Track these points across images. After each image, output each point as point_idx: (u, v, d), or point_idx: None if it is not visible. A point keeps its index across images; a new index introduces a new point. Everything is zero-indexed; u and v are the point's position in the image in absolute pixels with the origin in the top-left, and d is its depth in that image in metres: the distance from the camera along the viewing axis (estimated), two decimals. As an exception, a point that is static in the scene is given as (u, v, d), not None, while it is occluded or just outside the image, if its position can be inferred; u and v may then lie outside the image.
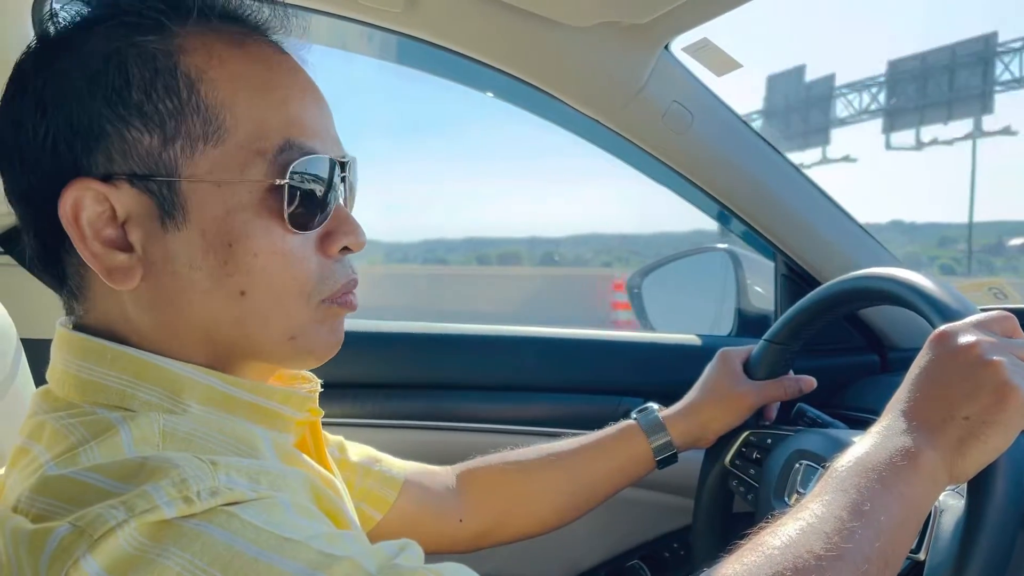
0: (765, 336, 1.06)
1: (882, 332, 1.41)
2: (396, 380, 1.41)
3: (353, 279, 0.66)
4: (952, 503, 0.74)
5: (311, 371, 0.75)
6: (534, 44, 1.11)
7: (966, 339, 0.68)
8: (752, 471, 1.03)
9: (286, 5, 0.98)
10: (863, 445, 0.68)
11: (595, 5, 1.00)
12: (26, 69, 0.59)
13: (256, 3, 0.64)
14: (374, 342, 1.42)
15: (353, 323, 1.46)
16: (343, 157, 0.65)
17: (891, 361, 1.42)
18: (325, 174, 0.62)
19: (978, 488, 0.67)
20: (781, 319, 1.04)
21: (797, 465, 0.94)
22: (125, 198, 0.58)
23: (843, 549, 0.59)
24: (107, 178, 0.57)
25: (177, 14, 0.59)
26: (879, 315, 1.38)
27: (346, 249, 0.65)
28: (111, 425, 0.55)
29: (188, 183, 0.58)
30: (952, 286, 0.81)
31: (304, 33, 0.67)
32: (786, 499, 0.93)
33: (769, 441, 1.03)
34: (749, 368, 1.07)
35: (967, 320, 0.71)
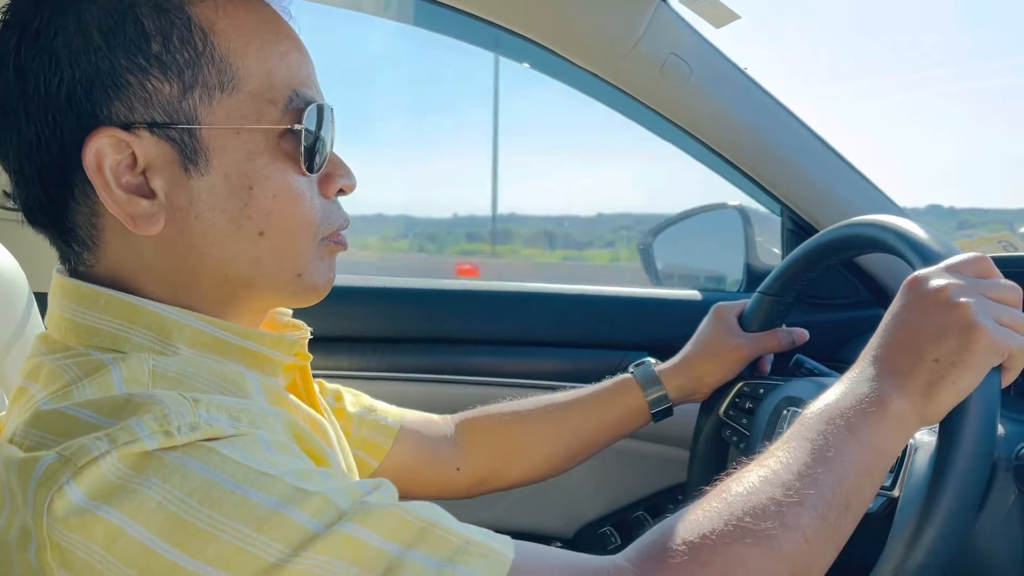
0: (759, 288, 1.07)
1: (887, 285, 1.40)
2: (403, 334, 1.44)
3: (347, 220, 0.71)
4: (927, 440, 0.75)
5: (312, 320, 0.78)
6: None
7: (936, 283, 0.69)
8: (744, 420, 1.04)
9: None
10: (833, 392, 0.69)
11: (585, -44, 1.00)
12: (28, 21, 0.60)
13: None
14: (382, 297, 1.45)
15: (361, 279, 1.49)
16: (328, 105, 0.68)
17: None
18: (324, 120, 0.66)
19: (948, 428, 0.68)
20: (773, 271, 1.05)
21: (785, 411, 0.95)
22: (146, 146, 0.60)
23: (804, 494, 0.61)
24: (126, 127, 0.59)
25: None
26: (884, 269, 1.37)
27: (340, 191, 0.70)
28: (103, 365, 0.58)
29: (209, 130, 0.61)
30: (936, 231, 0.80)
31: None
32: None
33: (762, 391, 1.04)
34: (743, 321, 1.08)
35: (939, 265, 0.71)
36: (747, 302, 1.09)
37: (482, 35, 1.33)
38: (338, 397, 0.95)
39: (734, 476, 0.64)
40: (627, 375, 1.08)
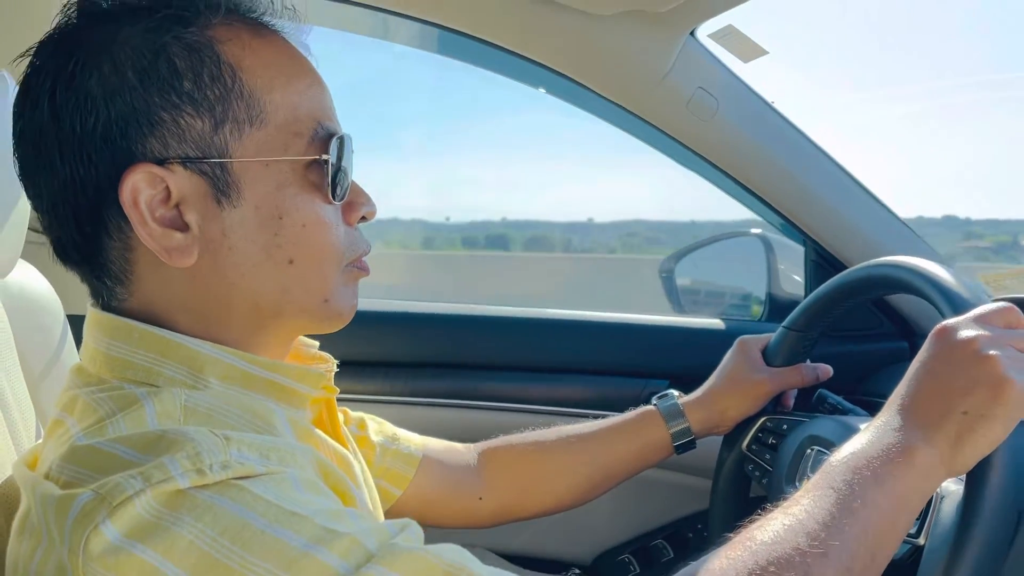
0: (784, 323, 1.07)
1: (911, 318, 1.39)
2: (427, 359, 1.45)
3: (369, 246, 0.73)
4: (953, 488, 0.75)
5: (335, 350, 0.79)
6: (558, 31, 1.12)
7: (965, 334, 0.69)
8: (767, 456, 1.04)
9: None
10: (859, 440, 0.69)
11: (617, -6, 1.01)
12: (62, 64, 0.61)
13: None
14: (406, 321, 1.46)
15: (386, 303, 1.51)
16: (348, 135, 0.70)
17: (920, 348, 1.40)
18: (346, 150, 0.68)
19: (976, 478, 0.68)
20: (799, 307, 1.05)
21: (809, 451, 0.95)
22: (180, 180, 0.61)
23: (829, 546, 0.61)
24: (161, 162, 0.61)
25: (208, 7, 0.63)
26: (908, 301, 1.37)
27: (363, 218, 0.72)
28: (136, 399, 0.59)
29: (239, 163, 0.62)
30: (966, 276, 0.81)
31: (304, 20, 0.71)
32: (797, 484, 0.95)
33: (785, 427, 1.04)
34: (767, 355, 1.08)
35: (968, 315, 0.71)
36: (771, 336, 1.09)
37: (496, 61, 1.33)
38: (361, 426, 0.96)
39: (758, 523, 0.64)
40: (650, 407, 1.08)
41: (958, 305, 0.75)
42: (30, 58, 0.64)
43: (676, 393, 1.09)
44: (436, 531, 1.02)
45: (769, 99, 1.24)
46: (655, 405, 1.07)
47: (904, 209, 1.38)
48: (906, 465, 0.65)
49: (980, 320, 0.70)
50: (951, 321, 0.71)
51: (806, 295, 1.49)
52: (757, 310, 1.69)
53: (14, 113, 0.64)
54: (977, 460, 0.67)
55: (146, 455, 0.53)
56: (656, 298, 1.80)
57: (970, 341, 0.68)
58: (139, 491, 0.51)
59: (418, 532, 0.59)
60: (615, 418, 1.08)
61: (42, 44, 0.64)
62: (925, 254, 1.33)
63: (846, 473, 0.66)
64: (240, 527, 0.51)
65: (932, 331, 0.71)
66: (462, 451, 1.06)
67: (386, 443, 0.96)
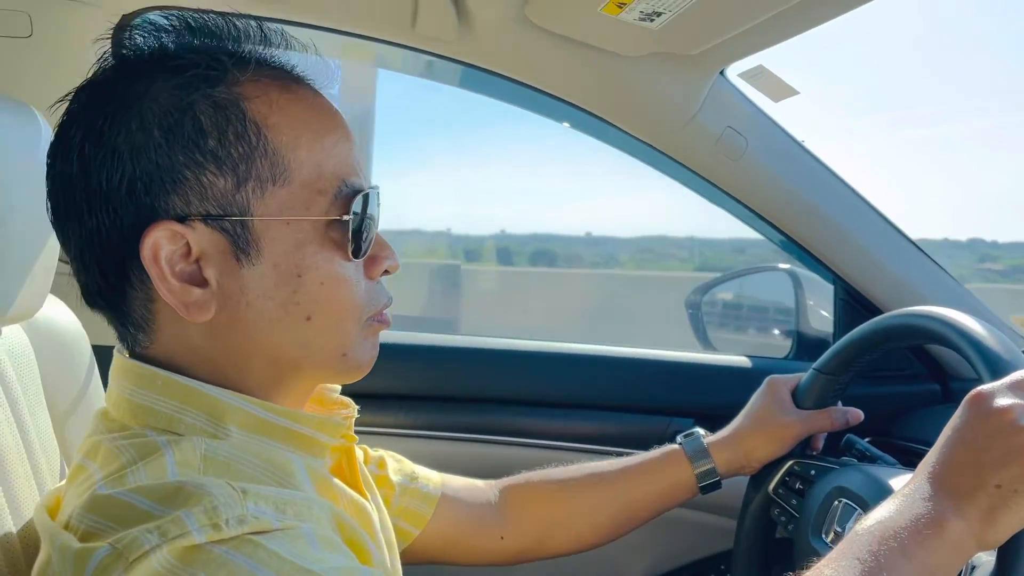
0: (815, 365, 1.05)
1: (944, 361, 1.37)
2: (447, 393, 1.44)
3: (390, 299, 0.72)
4: (986, 559, 0.73)
5: (357, 391, 0.79)
6: (587, 72, 1.12)
7: (1000, 403, 0.67)
8: (794, 501, 1.02)
9: (345, 33, 1.01)
10: (887, 508, 0.67)
11: (646, 38, 1.01)
12: (93, 118, 0.62)
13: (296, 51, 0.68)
14: (427, 355, 1.45)
15: (407, 336, 1.50)
16: (374, 188, 0.69)
17: (952, 391, 1.38)
18: (370, 207, 0.67)
19: (1009, 551, 0.66)
20: (831, 349, 1.03)
21: (836, 503, 0.93)
22: (200, 237, 0.62)
23: None
24: (182, 219, 0.61)
25: (238, 64, 0.64)
26: (942, 349, 1.34)
27: (385, 272, 0.71)
28: (157, 448, 0.59)
29: (261, 221, 0.62)
30: (1003, 334, 0.79)
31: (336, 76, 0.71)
32: (823, 536, 0.93)
33: (812, 472, 1.02)
34: (797, 397, 1.06)
35: (1003, 381, 0.69)
36: (801, 376, 1.07)
37: (521, 96, 1.33)
38: (381, 464, 0.95)
39: None
40: (675, 446, 1.06)
41: (995, 367, 0.73)
42: (67, 103, 0.65)
43: (702, 432, 1.07)
44: (457, 569, 1.01)
45: (799, 137, 1.23)
46: (680, 444, 1.06)
47: (931, 231, 1.35)
48: (935, 537, 0.63)
49: (1016, 387, 0.68)
50: (987, 388, 0.69)
51: (835, 334, 1.47)
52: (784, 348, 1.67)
53: (48, 163, 0.65)
54: (1009, 535, 0.65)
55: (164, 507, 0.54)
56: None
57: (1006, 411, 0.66)
58: (156, 546, 0.51)
59: None
60: (639, 456, 1.07)
61: (78, 91, 0.65)
62: (960, 298, 1.31)
63: (872, 543, 0.64)
64: None
65: (967, 397, 0.69)
66: (483, 488, 1.04)
67: (405, 482, 0.96)
